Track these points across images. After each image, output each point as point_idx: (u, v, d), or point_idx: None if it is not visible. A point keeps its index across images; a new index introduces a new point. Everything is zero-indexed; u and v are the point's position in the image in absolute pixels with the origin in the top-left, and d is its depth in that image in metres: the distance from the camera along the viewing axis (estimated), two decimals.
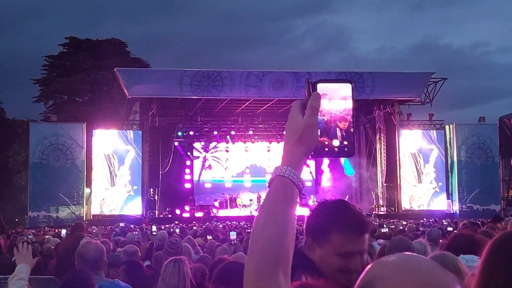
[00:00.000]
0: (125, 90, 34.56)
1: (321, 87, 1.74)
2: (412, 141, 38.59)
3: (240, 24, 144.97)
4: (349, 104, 1.75)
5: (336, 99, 1.75)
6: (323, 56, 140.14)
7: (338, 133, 1.73)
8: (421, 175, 38.49)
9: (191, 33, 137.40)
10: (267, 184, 1.72)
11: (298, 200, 1.69)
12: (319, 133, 1.72)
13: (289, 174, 1.66)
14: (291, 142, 1.71)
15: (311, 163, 43.31)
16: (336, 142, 1.72)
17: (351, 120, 1.74)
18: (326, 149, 1.73)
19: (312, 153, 1.73)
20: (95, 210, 36.07)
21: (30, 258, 5.62)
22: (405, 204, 38.14)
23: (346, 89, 1.76)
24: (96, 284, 4.91)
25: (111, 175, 36.26)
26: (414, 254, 1.35)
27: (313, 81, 1.75)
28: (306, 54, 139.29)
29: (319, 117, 1.72)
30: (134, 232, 17.24)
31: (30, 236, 17.57)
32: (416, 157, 38.58)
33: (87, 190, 36.73)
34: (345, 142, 1.73)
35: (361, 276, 1.31)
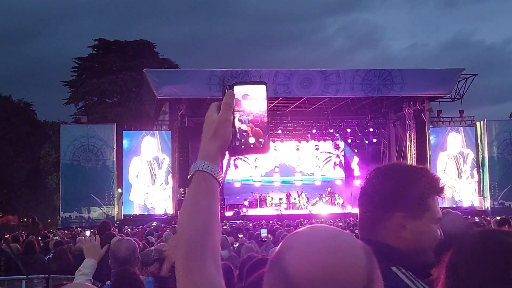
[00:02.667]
0: (154, 91, 34.70)
1: (238, 89, 1.83)
2: (456, 142, 38.33)
3: (272, 24, 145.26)
4: (265, 106, 1.83)
5: (257, 100, 1.83)
6: (354, 55, 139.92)
7: (257, 133, 1.81)
8: (461, 172, 38.21)
9: (223, 34, 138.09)
10: (188, 181, 1.76)
11: (218, 192, 1.74)
12: (249, 132, 1.80)
13: (207, 168, 1.72)
14: (207, 138, 1.78)
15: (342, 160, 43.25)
16: (251, 140, 1.80)
17: (267, 119, 1.82)
18: (242, 146, 1.80)
19: (229, 151, 1.80)
20: (134, 208, 36.28)
21: (98, 250, 5.66)
22: (447, 194, 37.81)
23: (261, 90, 1.84)
24: (144, 281, 4.96)
25: (151, 176, 36.42)
26: (324, 224, 1.36)
27: (229, 84, 1.84)
28: (337, 53, 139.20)
29: (244, 117, 1.80)
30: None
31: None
32: (457, 158, 38.28)
33: (118, 191, 37.00)
34: (260, 140, 1.81)
35: (276, 248, 1.34)
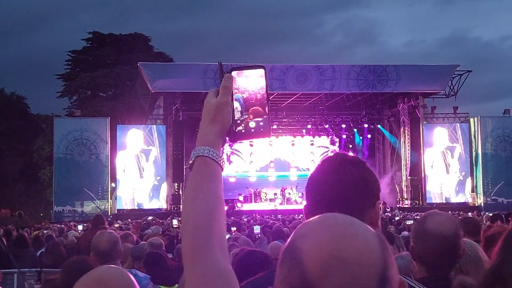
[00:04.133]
0: (149, 85, 34.63)
1: (235, 74, 1.78)
2: (442, 138, 38.33)
3: (270, 19, 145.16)
4: (263, 84, 1.78)
5: (253, 77, 1.78)
6: (352, 51, 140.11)
7: (255, 112, 1.76)
8: (449, 167, 38.25)
9: (220, 29, 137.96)
10: (188, 168, 1.73)
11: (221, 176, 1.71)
12: (240, 111, 1.75)
13: (208, 153, 1.69)
14: (206, 122, 1.74)
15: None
16: (252, 124, 1.75)
17: (266, 101, 1.77)
18: (243, 131, 1.75)
19: (229, 136, 1.76)
20: (123, 202, 36.24)
21: None
22: (436, 190, 37.88)
23: (259, 72, 1.79)
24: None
25: (139, 169, 36.35)
26: (336, 213, 1.33)
27: (227, 70, 1.78)
28: (335, 48, 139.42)
29: (237, 94, 1.76)
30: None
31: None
32: (445, 153, 38.32)
33: (111, 185, 36.92)
34: (261, 123, 1.76)
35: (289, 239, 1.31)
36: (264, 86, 1.78)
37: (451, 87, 38.26)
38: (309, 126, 40.40)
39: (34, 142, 51.48)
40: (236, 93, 1.76)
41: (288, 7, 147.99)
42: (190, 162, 1.71)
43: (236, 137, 1.76)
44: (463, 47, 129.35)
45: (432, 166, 38.17)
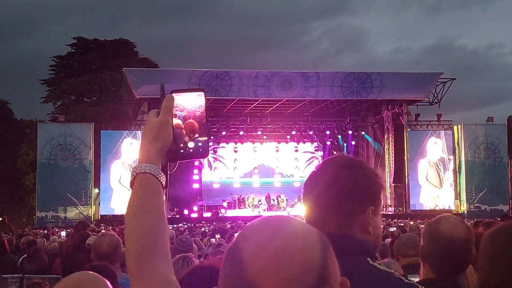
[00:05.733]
0: (133, 90, 34.55)
1: (175, 95, 1.84)
2: (436, 148, 38.48)
3: (257, 26, 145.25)
4: (202, 103, 1.84)
5: (193, 97, 1.84)
6: (338, 58, 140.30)
7: (193, 133, 1.82)
8: (442, 179, 38.41)
9: (206, 35, 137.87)
10: (129, 185, 1.77)
11: (163, 192, 1.76)
12: (179, 131, 1.81)
13: (149, 170, 1.73)
14: (147, 141, 1.79)
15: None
16: (191, 144, 1.81)
17: (205, 120, 1.83)
18: (182, 151, 1.81)
19: (169, 155, 1.81)
20: (110, 209, 36.06)
21: None
22: (430, 204, 37.97)
23: (199, 93, 1.86)
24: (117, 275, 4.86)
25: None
26: (281, 215, 1.36)
27: (167, 92, 1.84)
28: (322, 55, 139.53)
29: (178, 112, 1.81)
30: None
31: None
32: (438, 165, 38.45)
33: (95, 190, 36.74)
34: (199, 144, 1.82)
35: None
36: (203, 105, 1.84)
37: (435, 95, 38.48)
38: (293, 133, 40.51)
39: (18, 147, 51.13)
40: (176, 111, 1.81)
41: (275, 14, 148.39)
42: (131, 179, 1.75)
43: (175, 156, 1.82)
44: (448, 55, 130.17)
45: (427, 178, 38.28)
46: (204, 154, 1.83)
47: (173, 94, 1.82)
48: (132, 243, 1.65)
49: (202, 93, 1.85)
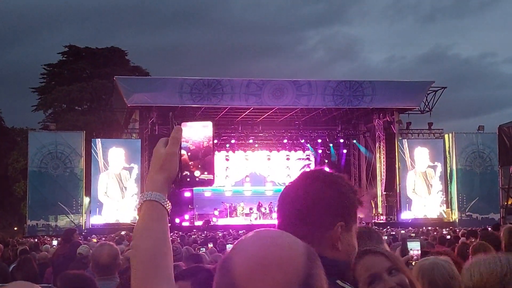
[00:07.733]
0: (125, 99, 34.45)
1: (184, 125, 1.95)
2: (423, 158, 38.49)
3: (251, 35, 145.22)
4: (210, 134, 1.96)
5: (200, 128, 1.97)
6: (333, 67, 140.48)
7: (201, 163, 1.94)
8: (431, 187, 38.44)
9: (199, 44, 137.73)
10: (136, 212, 1.90)
11: (168, 218, 1.86)
12: (188, 159, 1.92)
13: (155, 197, 1.84)
14: (154, 170, 1.90)
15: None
16: (197, 173, 1.93)
17: (212, 151, 1.96)
18: (188, 179, 1.93)
19: (176, 185, 1.92)
20: (102, 219, 35.89)
21: None
22: (419, 214, 37.96)
23: (207, 124, 1.98)
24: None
25: (121, 189, 36.02)
26: (271, 228, 1.46)
27: (178, 122, 1.93)
28: (317, 64, 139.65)
29: (184, 143, 1.93)
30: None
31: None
32: (425, 174, 38.47)
33: (86, 199, 36.60)
34: (206, 172, 1.94)
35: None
36: (210, 136, 1.95)
37: (426, 103, 38.56)
38: (285, 141, 40.52)
39: (9, 155, 50.95)
40: (184, 142, 1.92)
41: (270, 23, 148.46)
42: (138, 206, 1.86)
43: (181, 185, 1.93)
44: (442, 63, 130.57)
45: (414, 190, 38.28)
46: (210, 182, 1.93)
47: (182, 124, 1.93)
48: (138, 265, 1.74)
49: (209, 124, 1.95)
